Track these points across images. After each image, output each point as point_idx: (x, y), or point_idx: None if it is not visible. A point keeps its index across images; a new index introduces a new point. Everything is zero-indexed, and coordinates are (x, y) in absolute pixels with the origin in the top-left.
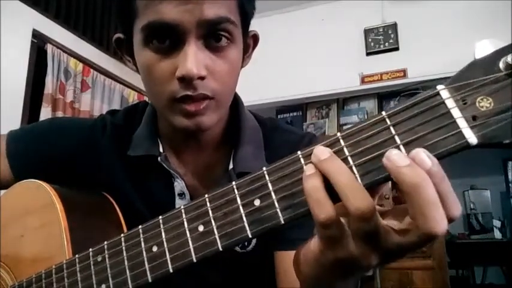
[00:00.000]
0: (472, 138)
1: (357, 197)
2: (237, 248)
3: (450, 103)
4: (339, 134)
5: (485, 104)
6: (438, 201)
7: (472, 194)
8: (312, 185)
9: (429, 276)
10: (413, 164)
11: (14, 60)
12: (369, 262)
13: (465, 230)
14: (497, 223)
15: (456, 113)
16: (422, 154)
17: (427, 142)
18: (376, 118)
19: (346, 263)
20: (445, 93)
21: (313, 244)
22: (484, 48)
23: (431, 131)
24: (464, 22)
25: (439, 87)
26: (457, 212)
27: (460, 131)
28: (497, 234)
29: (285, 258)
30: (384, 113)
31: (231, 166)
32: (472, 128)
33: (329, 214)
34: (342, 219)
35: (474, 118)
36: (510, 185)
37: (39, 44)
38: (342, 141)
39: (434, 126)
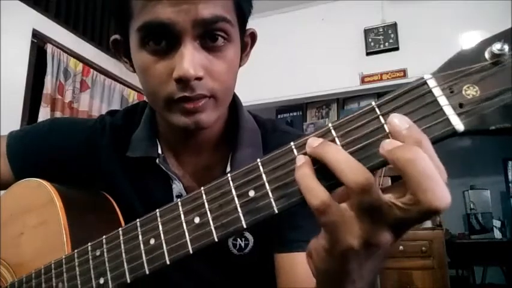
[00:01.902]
0: (459, 125)
1: (353, 171)
2: (234, 251)
3: (437, 91)
4: (330, 124)
5: (471, 92)
6: (436, 174)
7: (472, 194)
8: (302, 172)
9: (429, 276)
10: (405, 145)
11: (14, 60)
12: (378, 240)
13: (465, 230)
14: (497, 223)
15: (443, 100)
16: (394, 118)
17: None
18: (366, 108)
19: (356, 247)
20: (432, 82)
21: (321, 236)
22: (471, 40)
23: (419, 119)
24: (464, 22)
25: (426, 76)
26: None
27: (447, 118)
28: (497, 234)
29: (285, 260)
30: (373, 102)
31: (228, 169)
32: (458, 115)
33: (322, 198)
34: (342, 205)
35: (461, 105)
36: (510, 185)
37: (39, 44)
38: (333, 132)
39: (422, 114)
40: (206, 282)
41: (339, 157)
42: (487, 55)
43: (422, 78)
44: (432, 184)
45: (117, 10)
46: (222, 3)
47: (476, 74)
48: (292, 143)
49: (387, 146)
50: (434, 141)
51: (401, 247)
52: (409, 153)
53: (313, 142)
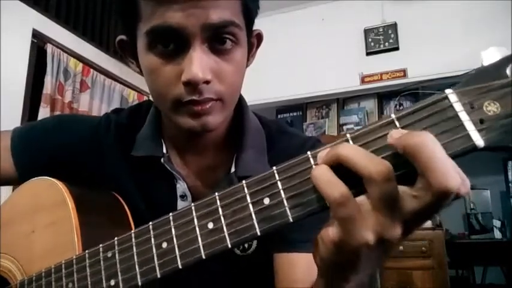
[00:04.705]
0: (479, 141)
1: (374, 162)
2: (238, 251)
3: (458, 107)
4: (348, 135)
5: (492, 108)
6: (444, 154)
7: (472, 194)
8: (319, 169)
9: (429, 276)
10: (412, 131)
11: (14, 60)
12: (392, 234)
13: (465, 230)
14: (497, 223)
15: (464, 116)
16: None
17: None
18: (386, 120)
19: (371, 242)
20: (453, 97)
21: (331, 230)
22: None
23: (439, 134)
24: (463, 22)
25: (448, 91)
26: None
27: (467, 134)
28: (497, 234)
29: (284, 260)
30: (393, 115)
31: (232, 169)
32: (479, 131)
33: (343, 190)
34: (358, 199)
35: (481, 121)
36: (510, 185)
37: (39, 44)
38: (351, 142)
39: (442, 128)
40: (209, 283)
41: (357, 152)
42: (508, 72)
43: (444, 92)
44: (442, 164)
45: (124, 12)
46: (230, 7)
47: (497, 90)
48: (309, 152)
49: (393, 134)
50: (454, 157)
51: (401, 247)
52: (417, 138)
53: (323, 151)
